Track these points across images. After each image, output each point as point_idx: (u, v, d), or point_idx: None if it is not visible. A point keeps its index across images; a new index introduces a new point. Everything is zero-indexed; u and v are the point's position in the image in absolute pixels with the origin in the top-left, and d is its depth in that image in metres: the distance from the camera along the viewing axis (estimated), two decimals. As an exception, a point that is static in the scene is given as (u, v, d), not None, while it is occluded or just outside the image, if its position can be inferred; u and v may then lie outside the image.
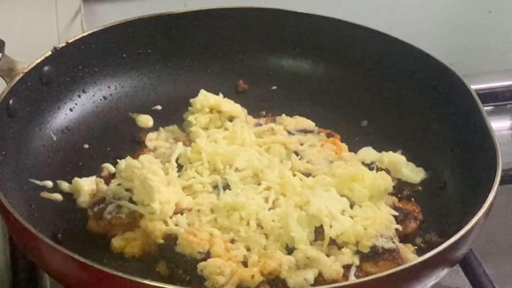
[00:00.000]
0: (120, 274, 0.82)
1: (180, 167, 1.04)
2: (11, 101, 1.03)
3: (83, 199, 1.03)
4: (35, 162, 1.05)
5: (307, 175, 1.05)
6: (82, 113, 1.15)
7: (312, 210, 0.95)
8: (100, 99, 1.17)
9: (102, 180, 1.04)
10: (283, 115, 1.16)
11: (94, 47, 1.16)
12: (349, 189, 1.01)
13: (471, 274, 1.03)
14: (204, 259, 0.93)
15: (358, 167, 1.06)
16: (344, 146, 1.12)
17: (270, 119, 1.16)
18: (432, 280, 0.90)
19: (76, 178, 1.04)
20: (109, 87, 1.18)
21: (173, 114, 1.16)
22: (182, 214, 0.97)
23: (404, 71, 1.17)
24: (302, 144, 1.10)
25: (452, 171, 1.08)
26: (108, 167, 1.06)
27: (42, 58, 1.09)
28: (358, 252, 0.96)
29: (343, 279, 0.92)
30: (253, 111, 1.17)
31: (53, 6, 1.34)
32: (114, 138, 1.14)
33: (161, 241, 0.96)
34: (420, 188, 1.08)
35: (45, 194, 1.03)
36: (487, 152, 1.00)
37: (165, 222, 0.97)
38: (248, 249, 0.95)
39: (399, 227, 0.99)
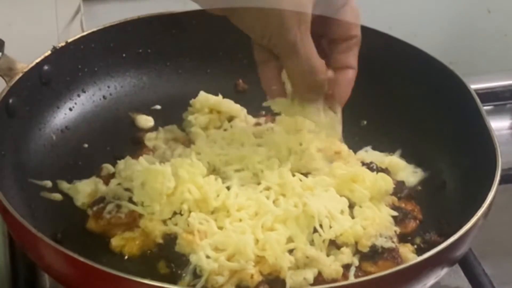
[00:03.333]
0: (119, 273, 0.82)
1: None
2: (10, 101, 1.03)
3: (81, 202, 1.03)
4: (35, 161, 1.05)
5: (307, 175, 1.04)
6: (82, 113, 1.15)
7: (312, 211, 0.95)
8: (100, 99, 1.17)
9: (101, 180, 1.04)
10: (283, 115, 1.16)
11: (93, 47, 1.16)
12: (349, 190, 1.01)
13: (471, 273, 1.03)
14: (204, 259, 0.93)
15: (358, 168, 1.06)
16: (344, 146, 1.12)
17: (270, 119, 1.16)
18: (432, 280, 0.90)
19: (74, 184, 1.04)
20: (108, 87, 1.18)
21: (173, 113, 1.16)
22: (181, 214, 0.97)
23: (404, 71, 1.17)
24: (301, 144, 1.10)
25: (451, 170, 1.08)
26: (108, 166, 1.06)
27: (42, 57, 1.09)
28: (357, 251, 0.96)
29: (343, 279, 0.93)
30: (253, 111, 1.17)
31: (53, 5, 1.34)
32: (114, 138, 1.13)
33: (161, 241, 0.96)
34: (419, 187, 1.08)
35: (44, 194, 1.03)
36: (487, 152, 1.00)
37: (164, 222, 0.97)
38: (248, 249, 0.95)
39: (397, 229, 0.99)
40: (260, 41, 0.93)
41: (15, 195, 0.97)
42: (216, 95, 1.16)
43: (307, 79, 0.95)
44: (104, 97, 1.18)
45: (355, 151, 1.12)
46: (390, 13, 1.53)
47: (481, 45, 1.61)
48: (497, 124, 1.23)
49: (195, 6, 1.19)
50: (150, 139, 1.12)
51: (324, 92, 0.99)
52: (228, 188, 1.00)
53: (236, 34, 0.98)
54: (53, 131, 1.10)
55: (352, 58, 0.99)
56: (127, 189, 1.00)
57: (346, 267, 0.94)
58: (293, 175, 1.03)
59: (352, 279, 0.92)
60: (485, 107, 1.06)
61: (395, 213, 1.01)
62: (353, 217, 0.98)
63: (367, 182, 1.01)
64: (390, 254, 0.95)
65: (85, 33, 1.16)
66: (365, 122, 1.19)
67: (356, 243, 0.96)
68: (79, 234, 0.98)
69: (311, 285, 0.91)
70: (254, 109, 1.17)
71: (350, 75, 0.99)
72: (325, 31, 0.98)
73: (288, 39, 0.91)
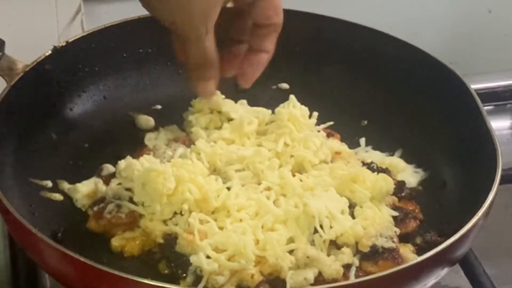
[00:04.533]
0: (120, 273, 0.82)
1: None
2: (11, 100, 1.03)
3: (81, 202, 1.03)
4: (35, 161, 1.05)
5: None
6: (82, 113, 1.14)
7: (312, 211, 0.95)
8: (100, 99, 1.17)
9: (102, 180, 1.04)
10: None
11: (94, 47, 1.16)
12: (350, 190, 1.01)
13: (471, 273, 1.03)
14: (204, 259, 0.93)
15: (359, 168, 1.06)
16: (344, 146, 1.12)
17: (270, 119, 1.16)
18: (432, 280, 0.90)
19: (74, 185, 1.04)
20: (109, 86, 1.18)
21: (173, 114, 1.16)
22: (182, 214, 0.97)
23: (404, 71, 1.17)
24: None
25: (452, 171, 1.08)
26: (108, 166, 1.06)
27: (42, 57, 1.09)
28: (358, 251, 0.96)
29: (343, 279, 0.93)
30: (253, 111, 1.17)
31: (53, 5, 1.34)
32: (114, 137, 1.13)
33: (161, 240, 0.96)
34: (420, 188, 1.08)
35: (45, 194, 1.03)
36: (487, 152, 1.00)
37: (165, 222, 0.97)
38: (248, 249, 0.95)
39: (398, 229, 0.99)
40: (168, 26, 0.96)
41: (15, 195, 0.97)
42: (216, 95, 1.16)
43: (201, 65, 1.00)
44: (104, 97, 1.18)
45: (355, 152, 1.12)
46: (390, 13, 1.52)
47: (481, 45, 1.61)
48: (497, 124, 1.22)
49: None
50: (151, 139, 1.12)
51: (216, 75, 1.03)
52: (228, 188, 1.00)
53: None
54: (54, 131, 1.10)
55: (269, 43, 1.03)
56: (127, 189, 1.00)
57: (347, 267, 0.94)
58: (294, 175, 1.03)
59: (352, 279, 0.92)
60: (485, 107, 1.06)
61: (395, 213, 1.01)
62: (353, 217, 0.98)
63: (367, 183, 1.01)
64: (391, 254, 0.95)
65: (85, 33, 1.16)
66: (365, 122, 1.19)
67: (357, 243, 0.96)
68: (79, 234, 0.98)
69: (312, 285, 0.91)
70: (255, 109, 1.17)
71: (264, 59, 1.04)
72: (248, 14, 1.02)
73: (195, 33, 0.95)
